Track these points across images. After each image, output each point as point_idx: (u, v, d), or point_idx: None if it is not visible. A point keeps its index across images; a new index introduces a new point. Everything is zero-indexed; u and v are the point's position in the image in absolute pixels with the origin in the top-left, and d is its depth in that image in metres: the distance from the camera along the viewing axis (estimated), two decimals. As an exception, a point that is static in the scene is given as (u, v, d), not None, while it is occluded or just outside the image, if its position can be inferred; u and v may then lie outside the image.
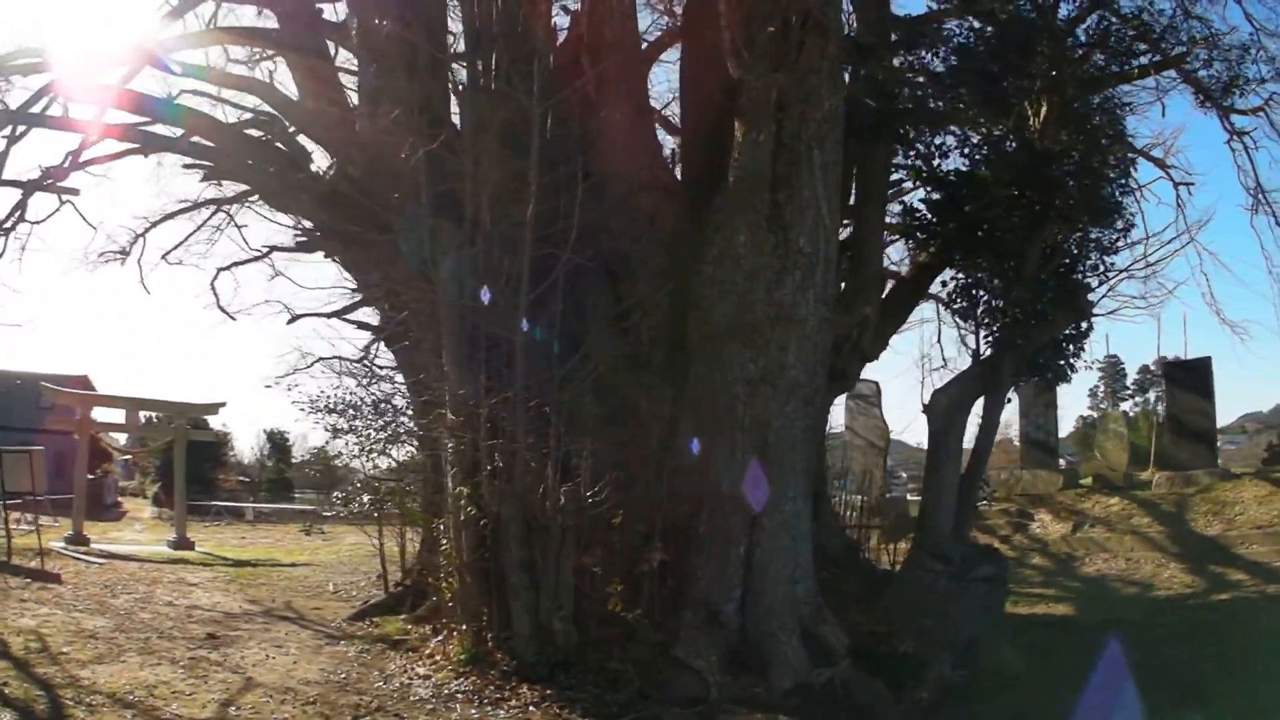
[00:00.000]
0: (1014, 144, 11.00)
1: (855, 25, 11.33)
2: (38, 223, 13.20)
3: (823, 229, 8.24)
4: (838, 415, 17.79)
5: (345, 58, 12.12)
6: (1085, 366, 12.59)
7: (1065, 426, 32.48)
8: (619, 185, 9.85)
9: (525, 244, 8.08)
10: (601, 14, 9.98)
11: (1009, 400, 11.95)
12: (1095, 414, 40.97)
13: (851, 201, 11.36)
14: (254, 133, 12.31)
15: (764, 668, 7.59)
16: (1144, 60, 10.64)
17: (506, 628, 7.85)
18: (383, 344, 14.32)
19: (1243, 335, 15.25)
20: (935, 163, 11.69)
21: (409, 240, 9.58)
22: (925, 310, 14.17)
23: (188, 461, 19.82)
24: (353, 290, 15.29)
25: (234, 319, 16.90)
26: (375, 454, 14.36)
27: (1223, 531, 12.71)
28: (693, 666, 7.37)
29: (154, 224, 16.32)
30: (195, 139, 11.30)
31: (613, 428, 8.51)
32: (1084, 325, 11.78)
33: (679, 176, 10.82)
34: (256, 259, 17.06)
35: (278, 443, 37.95)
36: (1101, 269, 11.06)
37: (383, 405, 14.27)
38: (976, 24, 11.29)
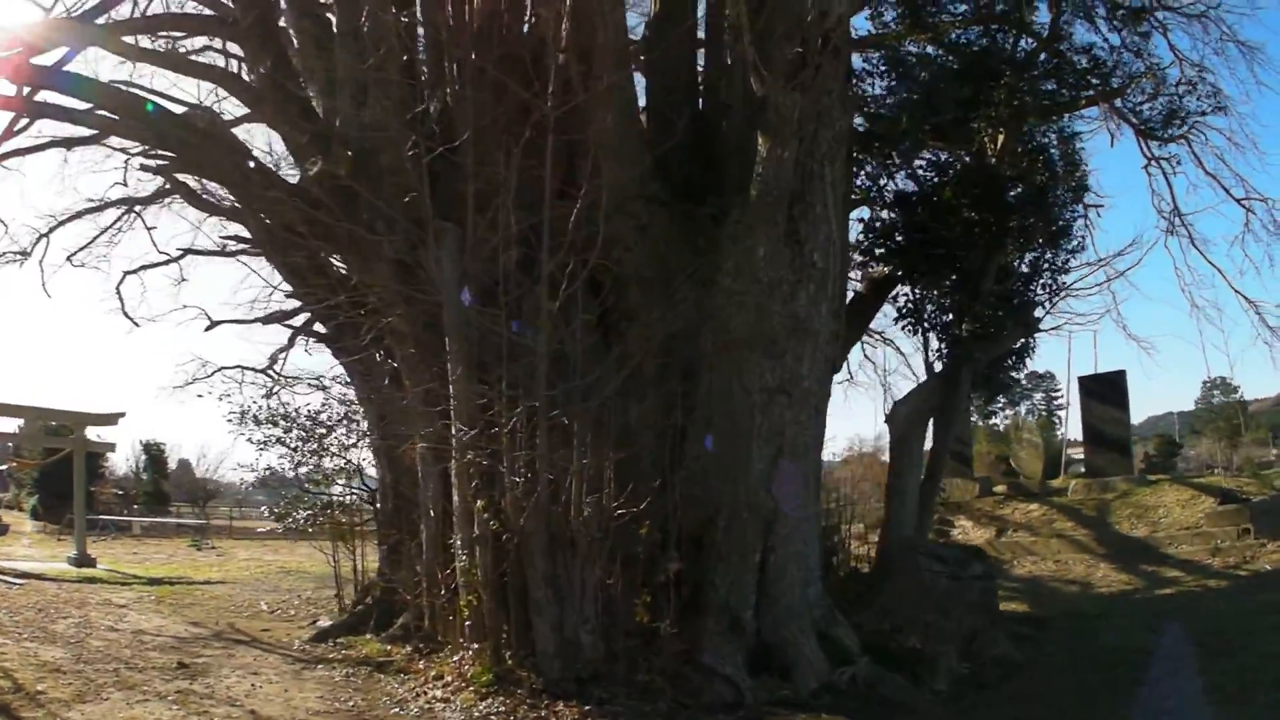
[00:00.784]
0: (975, 167, 11.72)
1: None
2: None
3: (833, 244, 8.52)
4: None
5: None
6: (1024, 381, 13.55)
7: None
8: (611, 193, 9.81)
9: (545, 249, 7.93)
10: (593, 17, 9.91)
11: (971, 409, 12.65)
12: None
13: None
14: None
15: (785, 670, 7.73)
16: (1091, 92, 11.56)
17: (526, 644, 7.64)
18: (331, 354, 13.69)
19: (1148, 349, 16.76)
20: (883, 182, 12.32)
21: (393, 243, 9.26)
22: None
23: (65, 474, 18.40)
24: (288, 296, 14.66)
25: (138, 325, 15.96)
26: (310, 467, 13.86)
27: (1149, 533, 13.82)
28: (722, 673, 7.42)
29: (60, 222, 15.10)
30: (110, 116, 10.31)
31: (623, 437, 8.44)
32: (1029, 341, 12.67)
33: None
34: (169, 262, 16.16)
35: (154, 455, 35.89)
36: (1052, 287, 11.89)
37: (320, 416, 13.74)
38: (932, 49, 12.01)
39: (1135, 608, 10.58)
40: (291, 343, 15.76)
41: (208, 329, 15.79)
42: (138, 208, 15.41)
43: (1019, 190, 11.56)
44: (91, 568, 16.09)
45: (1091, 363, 25.92)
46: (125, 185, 14.87)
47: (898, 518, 11.69)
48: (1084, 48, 11.38)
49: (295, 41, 10.53)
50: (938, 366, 12.35)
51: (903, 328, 12.97)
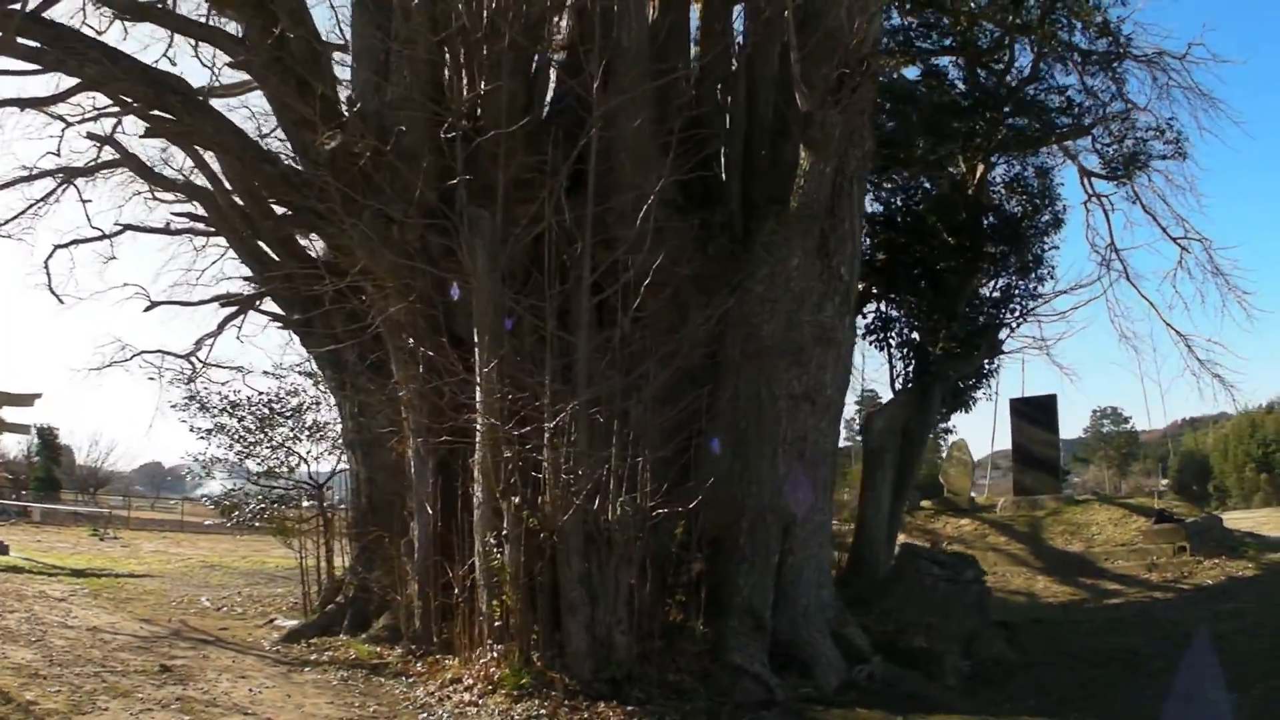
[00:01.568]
0: (955, 195, 12.37)
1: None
2: None
3: (856, 259, 8.81)
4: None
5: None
6: (986, 398, 14.33)
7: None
8: (630, 196, 9.82)
9: (586, 245, 7.88)
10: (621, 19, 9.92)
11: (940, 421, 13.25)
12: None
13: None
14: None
15: (805, 668, 7.93)
16: (1063, 129, 12.38)
17: (553, 645, 7.52)
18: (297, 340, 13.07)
19: (1072, 377, 17.96)
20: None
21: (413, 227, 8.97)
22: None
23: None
24: (246, 280, 13.97)
25: (62, 302, 14.88)
26: (257, 457, 13.23)
27: (1085, 549, 14.77)
28: (751, 671, 7.55)
29: (-2, 188, 13.83)
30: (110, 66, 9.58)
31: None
32: (993, 362, 13.42)
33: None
34: (106, 237, 15.23)
35: (47, 439, 33.42)
36: (1020, 311, 12.64)
37: (274, 406, 13.14)
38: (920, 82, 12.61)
39: (1090, 615, 11.34)
40: (221, 329, 15.08)
41: (147, 309, 14.94)
42: (77, 180, 14.41)
43: (993, 220, 12.26)
44: (5, 555, 14.94)
45: (1019, 386, 27.12)
46: (58, 155, 14.00)
47: (871, 524, 12.14)
48: (1059, 89, 12.18)
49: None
50: (898, 384, 12.92)
51: (870, 343, 13.53)
